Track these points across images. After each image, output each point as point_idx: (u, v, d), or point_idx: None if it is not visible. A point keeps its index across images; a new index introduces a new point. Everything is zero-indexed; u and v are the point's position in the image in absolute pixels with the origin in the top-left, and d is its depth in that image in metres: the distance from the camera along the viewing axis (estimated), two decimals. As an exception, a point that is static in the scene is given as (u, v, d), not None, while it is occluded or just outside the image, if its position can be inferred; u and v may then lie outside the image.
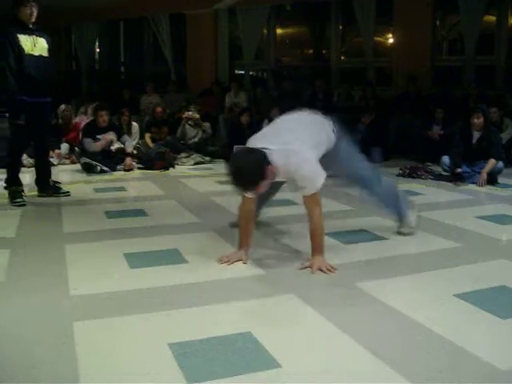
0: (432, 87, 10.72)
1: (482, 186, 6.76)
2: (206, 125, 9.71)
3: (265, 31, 13.21)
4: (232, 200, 5.71)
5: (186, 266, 3.78)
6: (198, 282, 3.46)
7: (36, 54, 5.65)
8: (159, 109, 9.93)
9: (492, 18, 10.98)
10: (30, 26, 5.65)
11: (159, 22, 13.85)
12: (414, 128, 9.36)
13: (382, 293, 3.23)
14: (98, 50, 16.38)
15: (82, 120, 9.94)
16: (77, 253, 4.11)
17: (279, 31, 13.68)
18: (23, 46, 5.54)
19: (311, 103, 11.05)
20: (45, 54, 5.76)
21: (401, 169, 7.62)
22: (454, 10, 10.97)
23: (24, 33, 5.58)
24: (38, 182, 6.35)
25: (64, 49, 15.95)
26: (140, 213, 5.42)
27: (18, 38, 5.53)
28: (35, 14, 5.65)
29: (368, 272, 3.64)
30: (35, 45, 5.64)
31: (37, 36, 5.70)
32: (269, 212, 5.41)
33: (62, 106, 9.89)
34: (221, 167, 8.54)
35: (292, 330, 2.79)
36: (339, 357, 2.51)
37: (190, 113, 9.43)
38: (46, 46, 5.78)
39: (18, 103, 5.56)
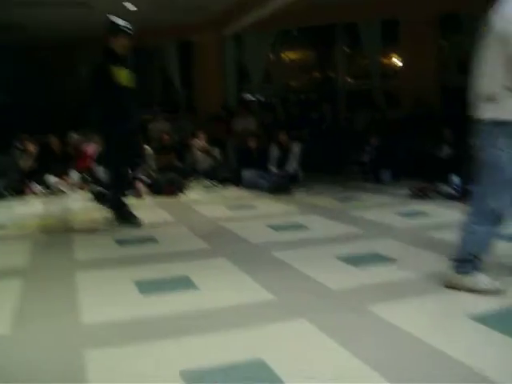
0: (440, 107, 10.74)
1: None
2: (216, 150, 9.75)
3: (271, 56, 13.32)
4: (242, 225, 5.75)
5: (197, 292, 3.78)
6: (209, 309, 3.45)
7: (128, 85, 5.71)
8: (166, 136, 10.00)
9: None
10: (123, 57, 5.66)
11: (167, 50, 13.99)
12: (424, 148, 9.36)
13: (394, 316, 3.20)
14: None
15: (92, 148, 10.00)
16: (88, 280, 4.13)
17: (286, 56, 13.80)
18: (118, 78, 5.56)
19: (319, 126, 11.14)
20: (133, 84, 5.80)
21: (410, 189, 7.60)
22: (460, 30, 11.04)
23: (118, 64, 5.60)
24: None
25: (75, 79, 16.09)
26: (150, 239, 5.44)
27: (113, 69, 5.55)
28: (129, 44, 5.67)
29: (380, 295, 3.62)
30: (127, 76, 5.68)
31: (126, 67, 5.74)
32: (278, 236, 5.44)
33: (74, 135, 9.99)
34: (230, 192, 8.57)
35: (305, 357, 2.76)
36: None
37: (199, 141, 9.47)
38: (132, 76, 5.79)
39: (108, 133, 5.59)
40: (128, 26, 5.40)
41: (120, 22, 5.53)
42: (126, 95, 5.62)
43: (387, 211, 6.61)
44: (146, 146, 9.50)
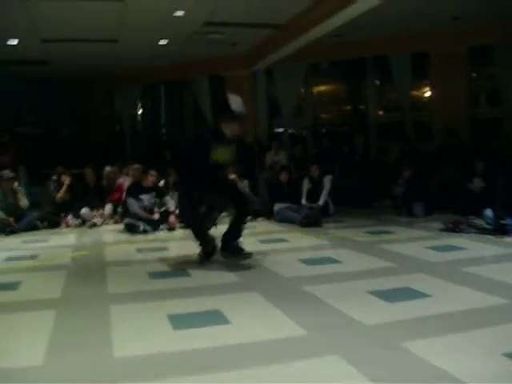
0: (471, 139, 10.68)
1: (526, 238, 6.63)
2: (245, 183, 9.78)
3: (302, 90, 13.42)
4: (273, 259, 5.74)
5: (229, 326, 3.78)
6: (242, 344, 3.45)
7: (225, 161, 5.79)
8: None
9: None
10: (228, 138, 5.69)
11: (199, 84, 14.20)
12: (456, 181, 9.29)
13: (428, 353, 3.15)
14: (140, 112, 16.85)
15: (125, 181, 10.15)
16: (121, 313, 4.16)
17: (317, 89, 13.89)
18: (216, 156, 5.61)
19: (349, 159, 11.14)
20: (230, 159, 5.89)
21: (444, 223, 7.52)
22: (491, 62, 11.02)
23: (222, 144, 5.66)
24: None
25: (108, 112, 16.42)
26: (182, 273, 5.46)
27: (215, 149, 5.60)
28: (239, 129, 5.76)
29: (413, 331, 3.57)
30: (227, 153, 5.73)
31: (230, 146, 5.78)
32: (310, 270, 5.43)
33: (107, 168, 10.17)
34: (262, 225, 8.58)
35: (337, 393, 2.75)
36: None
37: (232, 176, 9.48)
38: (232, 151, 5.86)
39: None
40: (240, 111, 5.43)
41: (234, 105, 5.58)
42: (217, 168, 5.74)
43: (420, 245, 6.55)
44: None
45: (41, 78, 13.95)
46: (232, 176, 9.47)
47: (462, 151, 10.15)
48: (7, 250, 7.20)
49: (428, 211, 8.91)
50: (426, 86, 12.29)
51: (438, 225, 7.63)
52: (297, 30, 9.74)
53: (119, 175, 10.68)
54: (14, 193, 8.92)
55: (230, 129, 5.59)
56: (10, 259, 6.50)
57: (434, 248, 6.32)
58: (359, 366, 3.00)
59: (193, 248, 6.05)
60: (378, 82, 12.90)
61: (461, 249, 6.28)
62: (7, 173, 8.94)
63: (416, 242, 6.80)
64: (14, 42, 10.60)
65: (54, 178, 9.70)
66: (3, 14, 8.72)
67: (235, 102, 5.46)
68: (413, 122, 11.91)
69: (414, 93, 12.51)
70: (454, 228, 7.34)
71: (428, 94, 12.25)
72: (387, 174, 10.01)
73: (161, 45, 11.39)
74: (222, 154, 5.59)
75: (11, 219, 8.55)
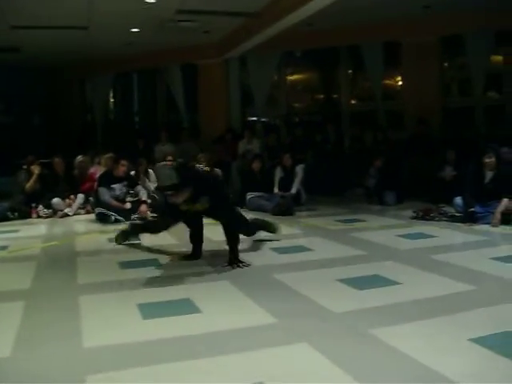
0: (442, 129, 10.78)
1: (496, 226, 6.72)
2: (218, 171, 9.74)
3: (275, 78, 13.40)
4: (244, 247, 5.74)
5: (199, 315, 3.78)
6: (212, 332, 3.45)
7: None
8: (169, 157, 10.05)
9: (499, 58, 11.14)
10: None
11: (171, 73, 14.10)
12: (427, 170, 9.39)
13: (396, 340, 3.19)
14: (112, 100, 16.69)
15: (97, 170, 10.06)
16: (90, 304, 4.14)
17: (290, 77, 13.88)
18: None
19: (322, 148, 11.18)
20: None
21: (414, 211, 7.60)
22: (462, 51, 11.11)
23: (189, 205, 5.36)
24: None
25: (79, 100, 16.25)
26: (153, 263, 5.44)
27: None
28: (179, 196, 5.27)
29: (381, 318, 3.61)
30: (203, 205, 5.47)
31: None
32: (281, 258, 5.45)
33: (79, 157, 10.07)
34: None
35: (306, 381, 2.76)
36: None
37: (201, 165, 9.43)
38: None
39: None
40: (169, 182, 5.15)
41: (162, 179, 5.36)
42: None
43: (391, 233, 6.62)
44: (150, 170, 9.54)
45: (11, 65, 13.73)
46: (204, 166, 9.44)
47: (434, 140, 10.24)
48: (-24, 240, 7.12)
49: (399, 200, 9.01)
50: (398, 75, 12.36)
51: (409, 213, 7.70)
52: (270, 18, 9.71)
53: (91, 164, 10.59)
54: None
55: (176, 198, 5.19)
56: (-22, 250, 6.43)
57: (405, 236, 6.39)
58: (327, 353, 3.03)
59: (164, 238, 6.04)
60: (350, 71, 12.93)
61: (431, 236, 6.36)
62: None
63: (387, 230, 6.87)
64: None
65: (24, 167, 9.57)
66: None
67: (162, 175, 5.16)
68: (385, 110, 11.97)
69: (387, 82, 12.57)
70: (424, 216, 7.43)
71: (400, 83, 12.32)
72: (359, 163, 10.07)
73: (133, 32, 11.28)
74: (199, 206, 5.23)
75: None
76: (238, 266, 5.08)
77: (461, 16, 10.17)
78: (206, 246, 5.67)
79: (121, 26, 10.70)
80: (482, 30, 10.33)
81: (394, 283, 4.43)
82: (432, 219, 7.33)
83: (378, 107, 11.92)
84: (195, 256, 5.54)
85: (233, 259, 5.14)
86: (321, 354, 3.04)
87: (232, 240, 5.21)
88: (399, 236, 6.40)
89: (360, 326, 3.45)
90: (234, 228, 5.29)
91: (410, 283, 4.43)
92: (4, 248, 6.50)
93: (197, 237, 5.58)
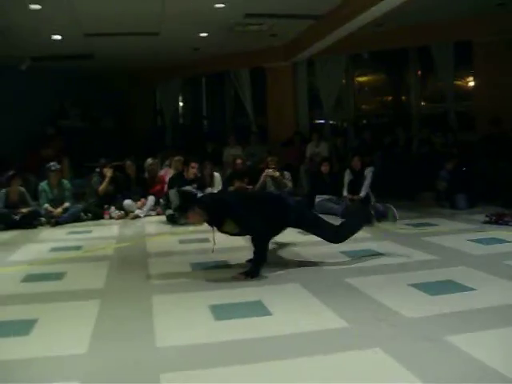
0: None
1: None
2: (287, 174, 9.74)
3: (343, 81, 13.32)
4: (314, 251, 5.73)
5: (270, 318, 3.79)
6: (283, 335, 3.46)
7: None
8: (239, 161, 10.16)
9: None
10: None
11: (239, 76, 14.21)
12: (500, 172, 9.11)
13: (472, 347, 3.12)
14: (181, 104, 16.98)
15: (167, 173, 10.25)
16: (163, 304, 4.22)
17: (358, 80, 13.77)
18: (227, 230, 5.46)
19: (392, 151, 11.02)
20: None
21: (487, 215, 7.38)
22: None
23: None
24: None
25: (149, 105, 16.61)
26: (224, 264, 5.50)
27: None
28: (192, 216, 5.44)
29: (456, 324, 3.53)
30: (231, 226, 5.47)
31: None
32: (351, 262, 5.40)
33: (149, 160, 10.29)
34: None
35: (379, 386, 2.73)
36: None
37: (271, 170, 9.43)
38: None
39: None
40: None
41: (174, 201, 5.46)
42: None
43: (463, 238, 6.45)
44: (215, 173, 9.64)
45: (85, 71, 14.18)
46: (275, 174, 9.42)
47: (507, 141, 9.91)
48: (52, 241, 7.38)
49: (471, 203, 8.76)
50: (469, 75, 12.05)
51: (482, 217, 7.48)
52: (337, 21, 9.66)
53: (161, 167, 10.80)
54: (61, 185, 9.12)
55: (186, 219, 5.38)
56: (55, 250, 6.66)
57: (477, 241, 6.22)
58: (401, 359, 2.98)
59: (234, 240, 6.08)
60: (419, 72, 12.70)
61: (504, 241, 6.16)
62: (54, 165, 9.13)
63: (459, 235, 6.69)
64: (58, 37, 10.80)
65: (98, 170, 9.85)
66: (46, 10, 8.87)
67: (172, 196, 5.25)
68: (456, 112, 11.69)
69: (458, 82, 12.29)
70: (497, 221, 7.20)
71: (471, 83, 12.01)
72: (429, 166, 9.86)
73: (201, 37, 11.44)
74: (229, 225, 5.27)
75: (58, 211, 8.75)
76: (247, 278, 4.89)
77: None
78: (273, 248, 5.68)
79: (190, 30, 10.87)
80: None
81: (468, 289, 4.32)
82: (506, 224, 7.09)
83: (448, 108, 11.66)
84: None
85: (249, 272, 4.95)
86: (394, 359, 3.00)
87: (257, 254, 5.05)
88: (471, 241, 6.23)
89: (433, 332, 3.39)
90: (260, 243, 5.08)
91: (483, 289, 4.31)
92: (78, 248, 6.72)
93: None
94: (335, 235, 5.46)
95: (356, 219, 5.86)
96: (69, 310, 4.20)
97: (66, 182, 9.39)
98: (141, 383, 2.85)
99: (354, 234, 5.58)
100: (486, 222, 7.29)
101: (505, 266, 5.04)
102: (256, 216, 5.09)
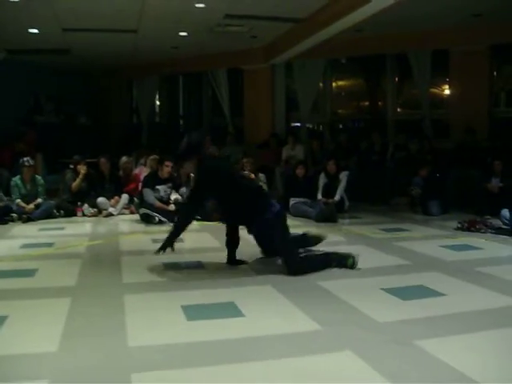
0: (490, 139, 10.58)
1: (544, 240, 6.58)
2: (262, 176, 9.76)
3: (321, 84, 13.37)
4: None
5: (243, 319, 3.80)
6: (255, 337, 3.46)
7: None
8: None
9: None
10: None
11: (217, 77, 14.19)
12: (473, 180, 9.24)
13: (442, 352, 3.15)
14: (157, 103, 16.90)
15: (142, 171, 10.21)
16: (135, 303, 4.20)
17: (335, 84, 13.83)
18: None
19: (367, 156, 11.10)
20: None
21: (459, 222, 7.48)
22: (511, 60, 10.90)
23: None
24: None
25: (125, 102, 16.50)
26: (197, 265, 5.49)
27: None
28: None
29: (426, 329, 3.57)
30: None
31: None
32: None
33: (124, 158, 10.23)
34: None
35: (349, 388, 2.75)
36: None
37: (246, 172, 9.45)
38: None
39: None
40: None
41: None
42: None
43: (435, 243, 6.53)
44: (192, 174, 9.60)
45: (61, 67, 14.05)
46: (251, 175, 9.44)
47: (480, 150, 10.05)
48: (24, 237, 7.29)
49: (444, 210, 8.87)
50: (445, 83, 12.19)
51: (454, 224, 7.58)
52: (317, 25, 9.70)
53: (136, 166, 10.75)
54: (34, 181, 9.02)
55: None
56: (26, 246, 6.58)
57: (450, 247, 6.30)
58: (372, 362, 3.01)
59: (207, 240, 6.08)
60: (396, 79, 12.81)
61: (476, 248, 6.25)
62: (27, 160, 9.02)
63: (431, 241, 6.77)
64: (35, 30, 10.69)
65: (71, 166, 9.76)
66: (24, 2, 8.77)
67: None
68: (432, 119, 11.81)
69: (433, 90, 12.41)
70: (469, 227, 7.30)
71: (447, 91, 12.14)
72: (404, 172, 9.96)
73: (181, 36, 11.40)
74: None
75: (30, 206, 8.66)
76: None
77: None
78: (249, 250, 5.68)
79: (170, 29, 10.82)
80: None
81: (439, 294, 4.37)
82: (478, 231, 7.19)
83: (424, 116, 11.77)
84: (229, 262, 5.48)
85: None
86: (364, 362, 3.03)
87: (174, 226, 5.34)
88: (444, 247, 6.31)
89: (404, 337, 3.42)
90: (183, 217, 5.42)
91: (454, 295, 4.37)
92: (50, 245, 6.66)
93: (231, 241, 5.51)
94: (298, 264, 5.11)
95: (318, 263, 5.34)
96: (40, 307, 4.15)
97: (39, 177, 9.28)
98: (112, 383, 2.83)
99: (310, 272, 5.08)
100: (458, 229, 7.39)
101: (475, 273, 5.11)
102: (212, 193, 5.27)
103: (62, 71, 14.17)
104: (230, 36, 11.16)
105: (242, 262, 5.47)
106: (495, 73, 11.54)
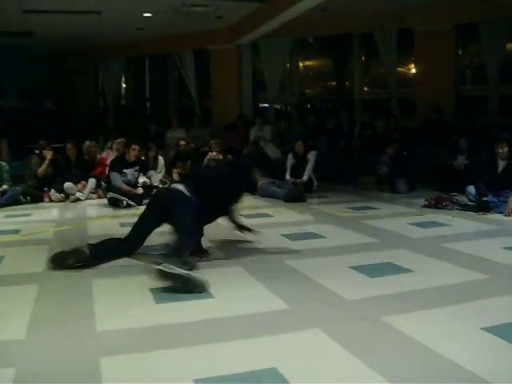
0: (456, 117, 10.70)
1: (509, 215, 6.69)
2: (229, 158, 9.73)
3: (288, 65, 13.34)
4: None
5: (212, 301, 3.80)
6: (224, 318, 3.46)
7: None
8: (182, 142, 10.10)
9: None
10: None
11: (183, 58, 14.06)
12: (439, 158, 9.34)
13: (408, 327, 3.20)
14: (124, 86, 16.70)
15: (109, 155, 10.10)
16: (103, 288, 4.17)
17: (302, 64, 13.81)
18: None
19: (335, 134, 11.14)
20: None
21: (426, 199, 7.58)
22: (476, 39, 11.00)
23: None
24: None
25: (91, 85, 16.27)
26: (164, 248, 5.44)
27: None
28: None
29: (394, 305, 3.61)
30: None
31: None
32: (293, 245, 5.45)
33: (87, 142, 10.10)
34: (246, 200, 8.56)
35: (318, 366, 2.77)
36: (365, 393, 2.50)
37: (214, 153, 9.45)
38: None
39: None
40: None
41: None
42: None
43: (403, 221, 6.60)
44: (160, 157, 9.58)
45: (24, 50, 13.77)
46: (219, 157, 9.44)
47: (446, 128, 10.16)
48: (-11, 223, 7.18)
49: (411, 188, 8.97)
50: (412, 62, 12.26)
51: (421, 201, 7.68)
52: (283, 5, 9.66)
53: (101, 149, 10.63)
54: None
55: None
56: (-9, 233, 6.48)
57: (417, 224, 6.37)
58: (340, 339, 3.04)
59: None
60: (363, 58, 12.84)
61: (443, 225, 6.34)
62: (-9, 146, 8.86)
63: (399, 218, 6.85)
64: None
65: (37, 152, 9.61)
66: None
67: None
68: (398, 98, 11.89)
69: (400, 69, 12.48)
70: (436, 204, 7.40)
71: (413, 70, 12.22)
72: (371, 151, 10.04)
73: (145, 17, 11.25)
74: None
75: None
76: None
77: (476, 4, 10.05)
78: (217, 234, 5.67)
79: (134, 10, 10.68)
80: (498, 17, 10.21)
81: (406, 271, 4.42)
82: (444, 208, 7.30)
83: (390, 94, 11.84)
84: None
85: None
86: (332, 339, 3.05)
87: None
88: (411, 224, 6.39)
89: (372, 313, 3.46)
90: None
91: (421, 271, 4.42)
92: (16, 232, 6.55)
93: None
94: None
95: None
96: (6, 294, 4.09)
97: (3, 163, 9.10)
98: (80, 368, 2.81)
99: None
100: (425, 206, 7.49)
101: (443, 249, 5.18)
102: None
103: (26, 54, 13.89)
104: (195, 16, 11.06)
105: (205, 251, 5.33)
106: (460, 51, 11.65)
